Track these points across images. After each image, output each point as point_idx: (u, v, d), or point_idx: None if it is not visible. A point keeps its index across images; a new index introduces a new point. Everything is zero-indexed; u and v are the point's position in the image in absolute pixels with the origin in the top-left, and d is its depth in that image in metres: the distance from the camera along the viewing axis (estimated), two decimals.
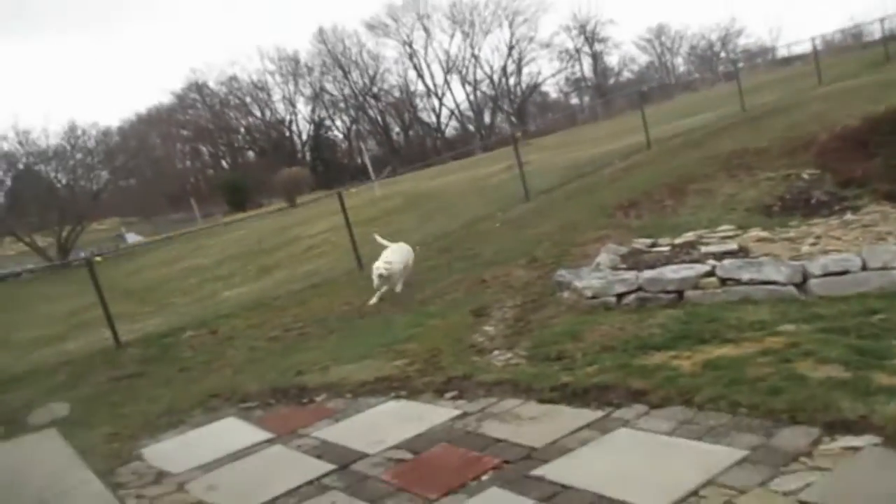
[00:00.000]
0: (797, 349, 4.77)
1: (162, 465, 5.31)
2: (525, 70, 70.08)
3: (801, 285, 5.99)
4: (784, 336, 5.09)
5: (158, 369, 8.55)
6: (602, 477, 3.82)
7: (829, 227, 7.60)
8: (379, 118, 70.53)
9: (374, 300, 9.45)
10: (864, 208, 8.12)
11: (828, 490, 3.29)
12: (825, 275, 5.90)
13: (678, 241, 8.15)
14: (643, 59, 74.19)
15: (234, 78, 67.57)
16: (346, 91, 68.85)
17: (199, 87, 66.95)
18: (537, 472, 4.04)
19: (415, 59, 68.17)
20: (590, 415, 4.66)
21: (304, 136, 69.90)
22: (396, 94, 69.95)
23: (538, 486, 3.88)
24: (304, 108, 71.00)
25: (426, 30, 67.37)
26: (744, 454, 3.74)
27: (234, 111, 69.44)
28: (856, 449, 3.56)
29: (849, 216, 7.92)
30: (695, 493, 3.49)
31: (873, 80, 18.31)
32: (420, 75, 68.92)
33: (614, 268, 7.51)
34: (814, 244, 7.02)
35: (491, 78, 69.05)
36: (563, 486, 3.81)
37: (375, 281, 9.55)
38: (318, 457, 4.94)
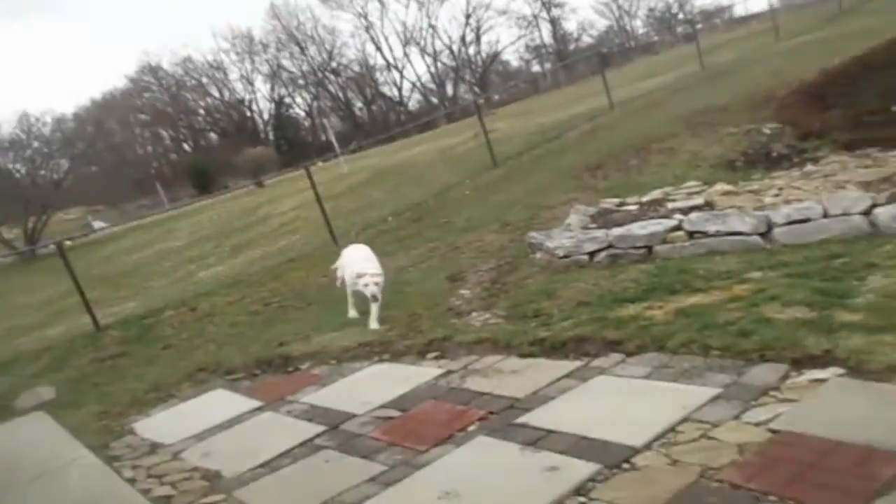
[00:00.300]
0: (764, 294, 4.97)
1: (155, 438, 5.43)
2: (484, 39, 70.19)
3: (766, 234, 6.21)
4: (751, 283, 5.30)
5: (141, 349, 8.62)
6: (583, 420, 4.00)
7: (790, 179, 7.82)
8: (340, 94, 69.88)
9: (374, 324, 6.78)
10: (823, 159, 8.35)
11: (796, 418, 3.50)
12: (788, 223, 6.12)
13: (645, 199, 8.33)
14: (602, 23, 74.20)
15: (188, 59, 66.49)
16: (305, 67, 68.02)
17: (153, 70, 65.80)
18: (521, 419, 4.22)
19: (371, 32, 67.46)
20: (568, 365, 4.84)
21: (266, 115, 69.22)
22: (356, 68, 69.28)
23: (523, 432, 4.06)
24: (262, 87, 70.47)
25: (381, 1, 66.65)
26: (717, 392, 3.94)
27: (191, 93, 68.38)
28: (821, 381, 3.77)
29: (809, 167, 8.15)
30: (672, 429, 3.69)
31: (829, 35, 18.64)
32: (378, 48, 68.28)
33: (584, 227, 7.69)
34: (777, 195, 7.23)
35: (450, 48, 68.62)
36: (547, 431, 3.99)
37: (355, 292, 7.12)
38: (309, 420, 5.09)
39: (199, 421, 5.52)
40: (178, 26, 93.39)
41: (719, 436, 3.52)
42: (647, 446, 3.59)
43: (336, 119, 68.04)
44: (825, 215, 6.01)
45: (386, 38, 69.33)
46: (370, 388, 5.41)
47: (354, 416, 4.95)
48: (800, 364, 3.98)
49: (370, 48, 69.46)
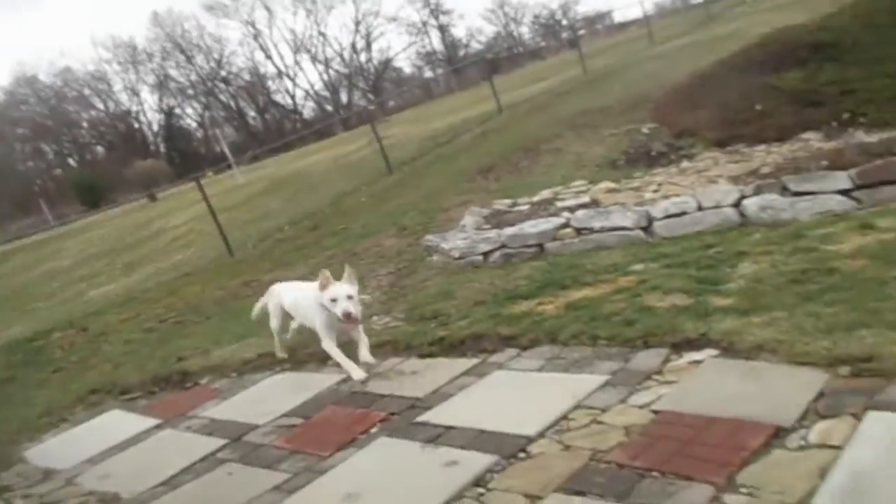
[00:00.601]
0: (646, 285, 5.26)
1: (48, 464, 5.25)
2: (375, 46, 70.40)
3: (647, 228, 6.55)
4: (635, 275, 5.59)
5: (29, 373, 8.28)
6: (481, 414, 4.14)
7: (668, 175, 8.26)
8: (232, 103, 68.58)
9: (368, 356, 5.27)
10: (697, 156, 8.86)
11: (676, 398, 3.74)
12: (666, 217, 6.48)
13: (536, 199, 8.62)
14: (490, 29, 75.77)
15: (67, 69, 63.77)
16: (193, 77, 66.49)
17: (29, 81, 62.69)
18: (422, 418, 4.32)
19: (260, 40, 66.97)
20: (467, 363, 4.98)
21: (155, 127, 67.18)
22: (246, 76, 68.16)
23: (423, 430, 4.17)
24: (150, 98, 68.37)
25: (268, 8, 65.96)
26: (605, 379, 4.15)
27: (73, 104, 65.56)
28: (698, 362, 4.04)
29: (685, 164, 8.63)
30: (564, 416, 3.87)
31: (698, 39, 19.64)
32: (268, 56, 67.84)
33: (478, 228, 7.90)
34: (656, 191, 7.63)
35: (341, 55, 68.47)
36: (447, 427, 4.11)
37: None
38: (210, 434, 5.04)
39: (95, 444, 5.37)
40: (54, 35, 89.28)
41: (607, 420, 3.72)
42: (542, 435, 3.75)
43: (230, 129, 66.68)
44: (700, 208, 6.39)
45: (276, 46, 68.62)
46: (272, 397, 5.40)
47: (257, 426, 4.94)
48: (679, 348, 4.24)
49: (260, 56, 68.61)
